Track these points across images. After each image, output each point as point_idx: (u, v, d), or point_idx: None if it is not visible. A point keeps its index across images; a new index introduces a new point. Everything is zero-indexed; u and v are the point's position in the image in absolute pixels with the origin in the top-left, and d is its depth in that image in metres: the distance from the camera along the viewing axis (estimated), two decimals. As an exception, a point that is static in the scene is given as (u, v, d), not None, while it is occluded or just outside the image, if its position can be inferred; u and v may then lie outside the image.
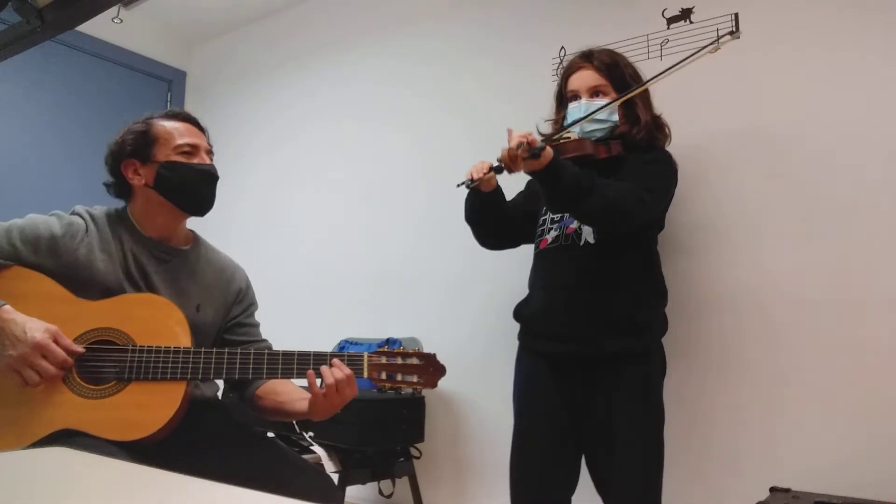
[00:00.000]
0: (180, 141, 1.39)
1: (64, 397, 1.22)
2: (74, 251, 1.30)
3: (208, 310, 1.44)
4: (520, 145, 1.40)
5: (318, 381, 1.30)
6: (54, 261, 1.29)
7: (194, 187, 1.40)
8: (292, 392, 1.42)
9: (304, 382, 1.34)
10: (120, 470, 0.77)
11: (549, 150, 1.43)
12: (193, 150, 1.40)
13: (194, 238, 1.52)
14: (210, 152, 1.45)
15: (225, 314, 1.49)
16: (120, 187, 1.42)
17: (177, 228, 1.46)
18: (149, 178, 1.38)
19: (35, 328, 1.18)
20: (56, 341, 1.20)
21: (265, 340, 1.54)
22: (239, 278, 1.53)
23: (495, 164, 1.50)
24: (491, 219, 1.73)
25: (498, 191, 1.70)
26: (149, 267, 1.38)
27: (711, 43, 1.52)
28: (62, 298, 1.27)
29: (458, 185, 1.59)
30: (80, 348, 1.23)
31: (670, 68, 1.54)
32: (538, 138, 1.53)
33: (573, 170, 1.46)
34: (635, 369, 1.57)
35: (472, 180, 1.56)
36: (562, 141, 1.57)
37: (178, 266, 1.43)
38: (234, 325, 1.50)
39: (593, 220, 1.56)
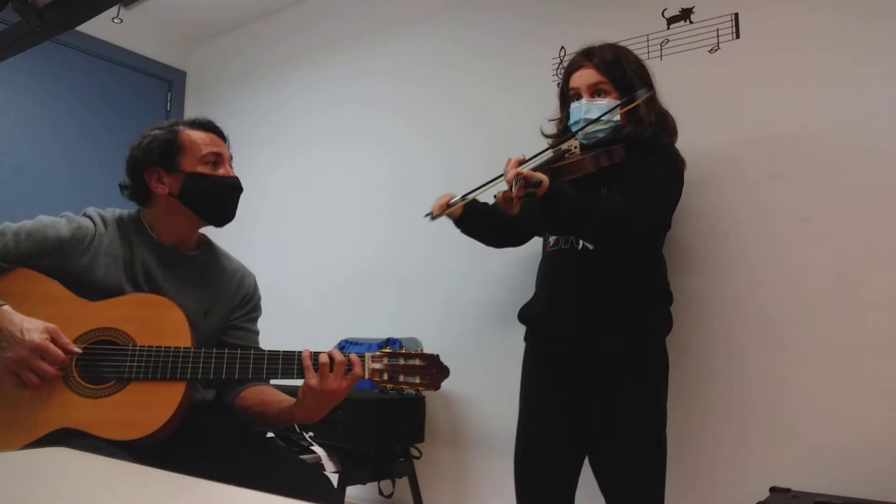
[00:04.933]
0: (206, 151, 1.39)
1: (64, 397, 1.22)
2: (80, 255, 1.30)
3: (216, 315, 1.44)
4: (517, 180, 1.39)
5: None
6: (59, 263, 1.29)
7: (219, 200, 1.42)
8: (277, 394, 1.41)
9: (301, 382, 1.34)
10: (120, 470, 0.77)
11: (545, 182, 1.41)
12: (218, 159, 1.41)
13: (206, 242, 1.52)
14: (231, 159, 1.46)
15: (228, 316, 1.48)
16: (137, 192, 1.42)
17: (191, 235, 1.46)
18: (174, 188, 1.38)
19: (33, 329, 1.18)
20: (54, 341, 1.20)
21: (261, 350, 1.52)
22: (248, 284, 1.53)
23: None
24: (477, 232, 1.85)
25: (469, 214, 1.77)
26: (157, 273, 1.37)
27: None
28: (64, 299, 1.28)
29: (424, 217, 1.75)
30: (77, 349, 1.23)
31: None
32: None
33: (571, 195, 1.44)
34: (638, 369, 1.57)
35: (432, 214, 1.71)
36: (561, 163, 1.54)
37: (186, 272, 1.43)
38: (231, 328, 1.49)
39: (595, 240, 1.57)
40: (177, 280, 1.40)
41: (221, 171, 1.41)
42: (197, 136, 1.40)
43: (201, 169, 1.39)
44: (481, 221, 1.82)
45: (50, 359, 1.18)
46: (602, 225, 1.47)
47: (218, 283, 1.47)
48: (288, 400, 1.35)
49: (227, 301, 1.47)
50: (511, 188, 1.41)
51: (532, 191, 1.39)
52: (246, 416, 1.42)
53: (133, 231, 1.39)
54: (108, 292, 1.31)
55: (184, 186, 1.37)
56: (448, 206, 1.71)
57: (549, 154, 1.61)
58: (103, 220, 1.37)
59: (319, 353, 1.28)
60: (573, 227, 1.53)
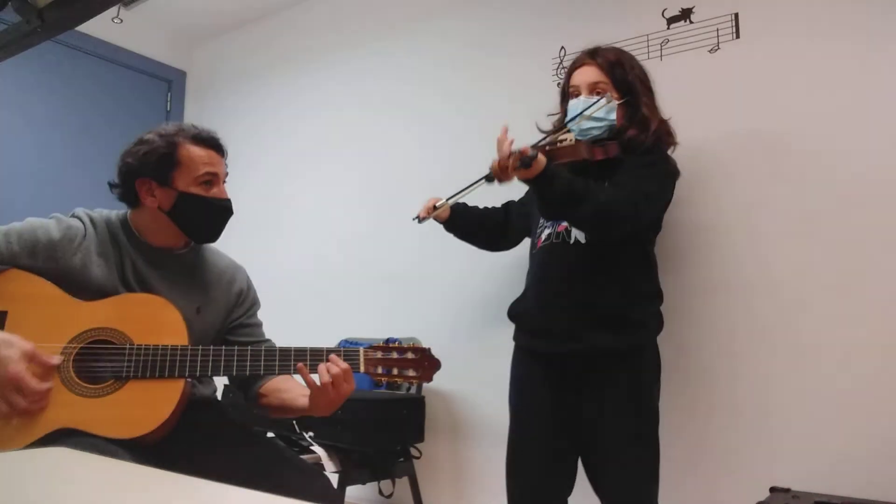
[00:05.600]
0: (202, 171, 1.37)
1: (62, 397, 1.22)
2: (72, 256, 1.30)
3: (209, 312, 1.44)
4: (511, 155, 1.41)
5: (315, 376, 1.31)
6: (51, 264, 1.29)
7: (208, 221, 1.41)
8: (295, 388, 1.43)
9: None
10: (120, 470, 0.77)
11: (541, 159, 1.42)
12: (213, 179, 1.39)
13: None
14: (226, 176, 1.45)
15: (226, 316, 1.48)
16: (126, 194, 1.40)
17: (178, 241, 1.45)
18: (164, 203, 1.36)
19: (9, 357, 1.14)
20: (33, 359, 1.17)
21: (268, 340, 1.54)
22: (240, 279, 1.53)
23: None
24: (467, 236, 1.90)
25: (456, 216, 1.83)
26: (147, 272, 1.37)
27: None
28: (59, 300, 1.27)
29: (413, 220, 1.78)
30: (57, 360, 1.21)
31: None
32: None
33: (565, 177, 1.45)
34: (629, 368, 1.57)
35: (419, 217, 1.75)
36: (556, 146, 1.56)
37: (177, 270, 1.43)
38: (237, 327, 1.50)
39: (586, 227, 1.56)
40: (167, 279, 1.39)
41: (214, 191, 1.39)
42: (196, 153, 1.37)
43: (195, 190, 1.36)
44: (470, 224, 1.86)
45: (26, 392, 1.15)
46: (594, 212, 1.47)
47: (209, 280, 1.47)
48: (303, 394, 1.38)
49: (220, 298, 1.47)
50: (508, 159, 1.43)
51: (528, 162, 1.40)
52: (268, 407, 1.46)
53: (121, 232, 1.39)
54: (103, 293, 1.31)
55: (175, 205, 1.35)
56: (435, 208, 1.74)
57: (542, 139, 1.64)
58: (92, 220, 1.37)
59: (317, 364, 1.31)
60: (566, 210, 1.52)
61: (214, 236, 1.44)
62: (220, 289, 1.48)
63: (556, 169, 1.45)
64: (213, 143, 1.41)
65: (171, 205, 1.36)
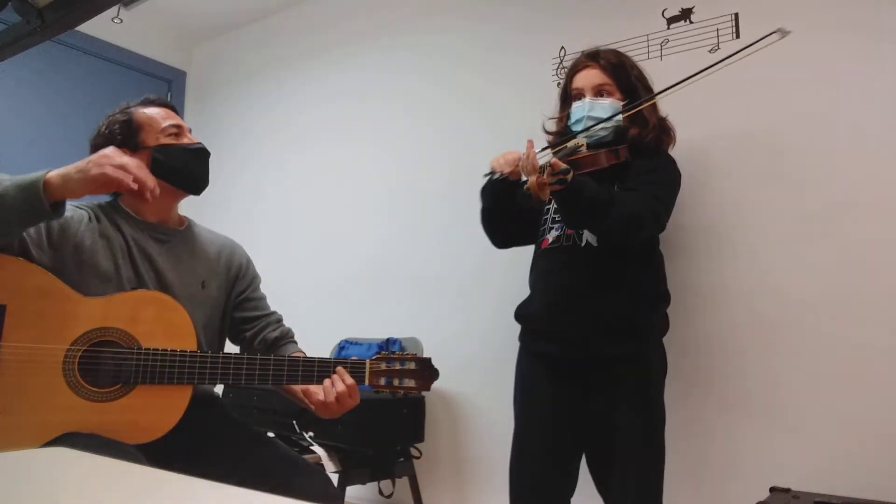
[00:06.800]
0: (165, 124, 1.41)
1: (68, 400, 1.19)
2: (82, 234, 1.29)
3: (213, 285, 1.45)
4: (543, 167, 1.39)
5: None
6: (62, 244, 1.27)
7: (190, 166, 1.43)
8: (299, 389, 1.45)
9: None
10: (120, 470, 0.77)
11: (571, 171, 1.41)
12: (179, 130, 1.43)
13: (187, 220, 1.53)
14: (190, 130, 1.48)
15: (228, 290, 1.50)
16: None
17: (171, 211, 1.46)
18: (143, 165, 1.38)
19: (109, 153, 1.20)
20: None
21: (275, 312, 1.56)
22: (239, 254, 1.55)
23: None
24: (510, 211, 1.69)
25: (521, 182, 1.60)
26: (151, 250, 1.38)
27: (758, 41, 1.52)
28: (62, 294, 1.23)
29: (485, 175, 1.63)
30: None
31: (696, 74, 1.57)
32: (540, 135, 1.50)
33: (592, 187, 1.44)
34: (635, 369, 1.57)
35: (500, 174, 1.56)
36: (577, 156, 1.54)
37: (178, 245, 1.44)
38: (243, 301, 1.52)
39: (611, 236, 1.55)
40: (171, 254, 1.41)
41: (185, 140, 1.43)
42: (151, 111, 1.42)
43: (165, 140, 1.40)
44: (513, 200, 1.67)
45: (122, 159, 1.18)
46: (619, 221, 1.47)
47: (209, 256, 1.49)
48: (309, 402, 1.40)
49: (222, 272, 1.49)
50: (542, 174, 1.41)
51: (562, 177, 1.39)
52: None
53: (116, 215, 1.39)
54: (108, 279, 1.29)
55: (153, 160, 1.38)
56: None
57: (559, 150, 1.61)
58: (89, 206, 1.37)
59: (325, 387, 1.33)
60: (591, 220, 1.51)
61: (202, 180, 1.46)
62: (221, 263, 1.50)
63: (582, 179, 1.44)
64: (162, 103, 1.47)
65: (149, 163, 1.37)
